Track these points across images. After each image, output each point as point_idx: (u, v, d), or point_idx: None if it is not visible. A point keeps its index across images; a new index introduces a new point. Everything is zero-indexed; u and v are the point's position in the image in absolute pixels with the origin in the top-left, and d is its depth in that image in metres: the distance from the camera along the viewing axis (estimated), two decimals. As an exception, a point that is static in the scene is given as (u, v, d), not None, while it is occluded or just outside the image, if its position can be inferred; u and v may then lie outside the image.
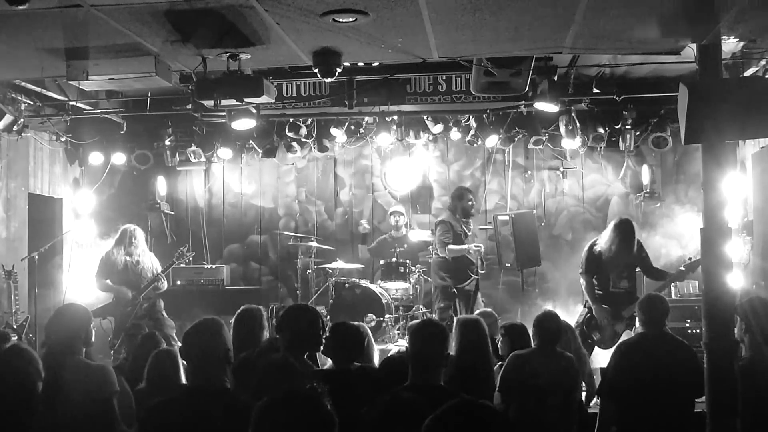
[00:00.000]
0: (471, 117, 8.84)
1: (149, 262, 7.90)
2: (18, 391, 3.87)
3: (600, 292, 6.79)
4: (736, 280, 6.60)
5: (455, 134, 8.97)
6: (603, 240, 6.85)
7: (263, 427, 2.22)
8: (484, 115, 8.76)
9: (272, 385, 3.50)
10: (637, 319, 5.05)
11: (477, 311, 6.45)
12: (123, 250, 7.76)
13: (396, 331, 8.56)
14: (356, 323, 4.83)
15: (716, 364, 4.66)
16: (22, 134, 8.15)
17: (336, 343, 4.24)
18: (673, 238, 9.01)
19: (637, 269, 7.03)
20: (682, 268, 6.85)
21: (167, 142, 9.27)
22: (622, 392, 4.72)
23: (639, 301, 5.10)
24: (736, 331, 4.58)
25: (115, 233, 8.00)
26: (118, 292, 7.68)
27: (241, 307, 5.02)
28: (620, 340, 6.15)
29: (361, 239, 9.79)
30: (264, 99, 5.72)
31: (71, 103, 8.23)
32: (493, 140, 9.02)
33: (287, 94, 8.20)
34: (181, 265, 8.58)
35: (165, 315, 7.80)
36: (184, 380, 4.40)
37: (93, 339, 4.12)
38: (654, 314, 4.89)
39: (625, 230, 6.72)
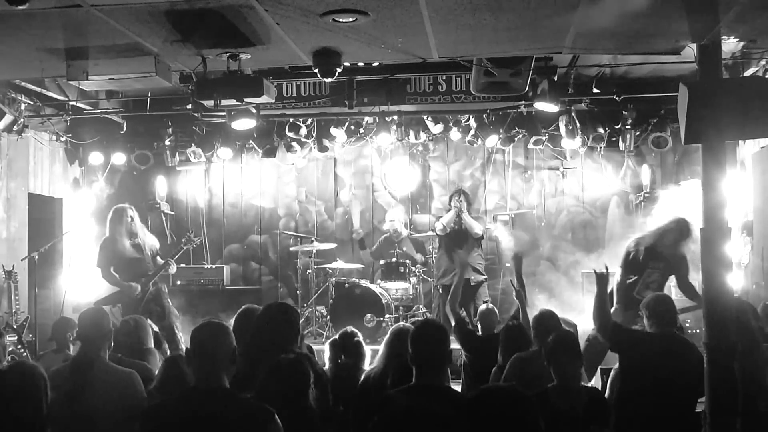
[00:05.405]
0: (471, 117, 8.85)
1: (151, 241, 7.55)
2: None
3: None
4: (736, 280, 6.58)
5: (455, 134, 8.97)
6: (656, 231, 6.50)
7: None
8: (484, 115, 8.77)
9: (280, 384, 3.49)
10: (645, 319, 4.91)
11: (479, 309, 6.37)
12: (124, 232, 7.27)
13: (396, 331, 8.53)
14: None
15: (716, 364, 4.65)
16: (22, 134, 8.16)
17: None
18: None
19: (673, 283, 6.70)
20: None
21: (167, 142, 9.28)
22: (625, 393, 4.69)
23: (647, 301, 4.90)
24: None
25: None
26: (128, 289, 7.26)
27: (243, 307, 5.01)
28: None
29: (360, 245, 9.73)
30: (264, 99, 5.71)
31: (71, 103, 8.24)
32: (493, 140, 9.02)
33: (287, 94, 8.21)
34: (182, 265, 8.51)
35: (170, 302, 7.57)
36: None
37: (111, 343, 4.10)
38: (666, 314, 4.75)
39: (686, 226, 6.32)
